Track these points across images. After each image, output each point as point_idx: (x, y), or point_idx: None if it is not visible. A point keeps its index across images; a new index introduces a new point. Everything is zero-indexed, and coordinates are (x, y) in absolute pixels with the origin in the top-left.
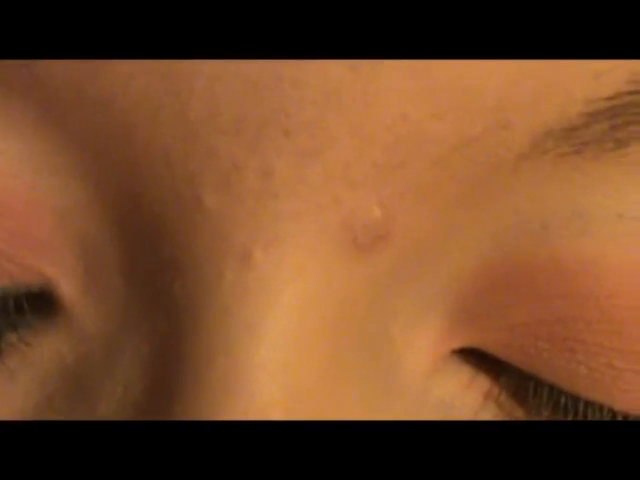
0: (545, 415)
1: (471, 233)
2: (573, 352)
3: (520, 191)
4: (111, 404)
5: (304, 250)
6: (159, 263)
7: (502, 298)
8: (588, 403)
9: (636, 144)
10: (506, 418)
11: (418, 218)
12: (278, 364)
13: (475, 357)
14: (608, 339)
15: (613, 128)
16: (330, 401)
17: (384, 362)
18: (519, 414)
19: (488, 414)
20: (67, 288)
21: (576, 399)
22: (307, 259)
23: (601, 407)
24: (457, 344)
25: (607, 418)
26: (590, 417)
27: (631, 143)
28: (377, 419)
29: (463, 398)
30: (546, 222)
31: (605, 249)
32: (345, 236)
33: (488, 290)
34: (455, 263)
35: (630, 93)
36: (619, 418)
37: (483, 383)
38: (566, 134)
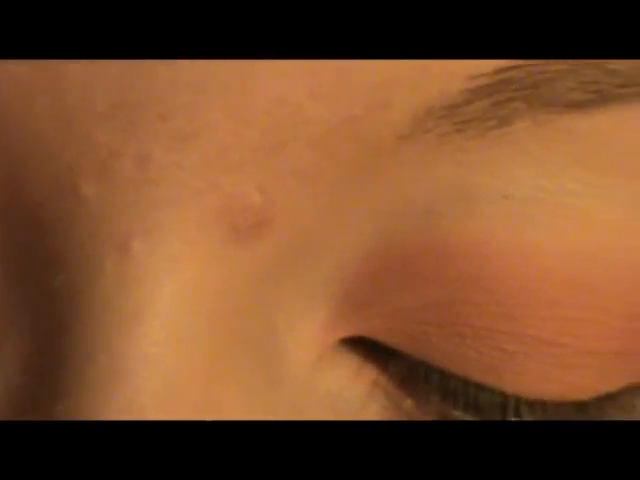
0: (435, 402)
1: (354, 218)
2: (462, 336)
3: (403, 173)
4: None
5: (182, 238)
6: (39, 256)
7: (388, 284)
8: (479, 387)
9: (519, 122)
10: (394, 407)
11: (299, 202)
12: (158, 359)
13: (363, 346)
14: (497, 322)
15: (495, 105)
16: (212, 395)
17: (268, 353)
18: (408, 403)
19: (376, 404)
20: None
21: (466, 383)
22: (185, 248)
23: (492, 391)
24: (344, 333)
25: (498, 401)
26: (481, 401)
27: (514, 121)
28: (261, 413)
29: (351, 388)
30: (431, 205)
31: (492, 231)
32: (224, 222)
33: (373, 276)
34: (339, 250)
35: (511, 69)
36: (510, 402)
37: (371, 372)
38: (447, 112)
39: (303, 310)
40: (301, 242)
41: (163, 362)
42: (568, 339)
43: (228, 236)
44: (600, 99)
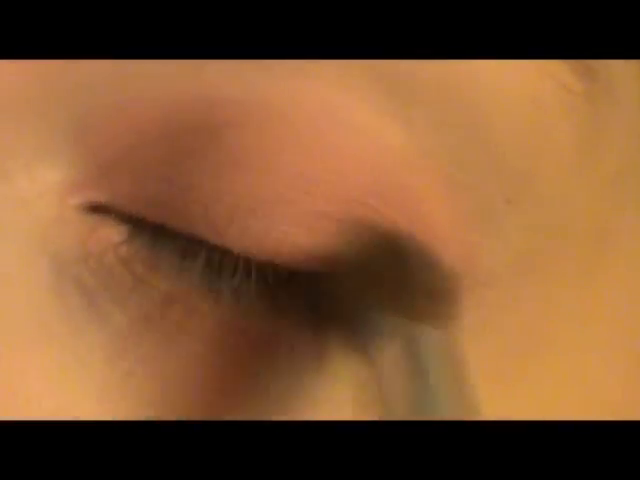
0: (174, 265)
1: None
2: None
3: None
4: None
5: None
6: None
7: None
8: (210, 247)
9: None
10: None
11: None
12: None
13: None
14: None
15: None
16: None
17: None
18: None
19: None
20: None
21: (199, 243)
22: None
23: (223, 251)
24: (87, 196)
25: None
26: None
27: None
28: None
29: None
30: None
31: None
32: None
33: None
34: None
35: None
36: (240, 263)
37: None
38: None
39: (42, 161)
40: None
41: None
42: (297, 195)
43: None
44: None
